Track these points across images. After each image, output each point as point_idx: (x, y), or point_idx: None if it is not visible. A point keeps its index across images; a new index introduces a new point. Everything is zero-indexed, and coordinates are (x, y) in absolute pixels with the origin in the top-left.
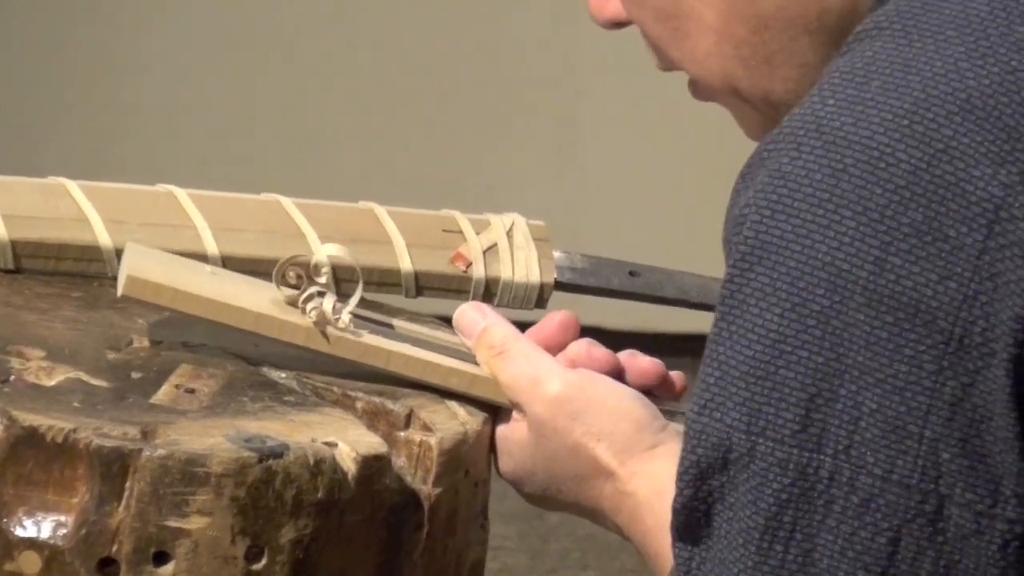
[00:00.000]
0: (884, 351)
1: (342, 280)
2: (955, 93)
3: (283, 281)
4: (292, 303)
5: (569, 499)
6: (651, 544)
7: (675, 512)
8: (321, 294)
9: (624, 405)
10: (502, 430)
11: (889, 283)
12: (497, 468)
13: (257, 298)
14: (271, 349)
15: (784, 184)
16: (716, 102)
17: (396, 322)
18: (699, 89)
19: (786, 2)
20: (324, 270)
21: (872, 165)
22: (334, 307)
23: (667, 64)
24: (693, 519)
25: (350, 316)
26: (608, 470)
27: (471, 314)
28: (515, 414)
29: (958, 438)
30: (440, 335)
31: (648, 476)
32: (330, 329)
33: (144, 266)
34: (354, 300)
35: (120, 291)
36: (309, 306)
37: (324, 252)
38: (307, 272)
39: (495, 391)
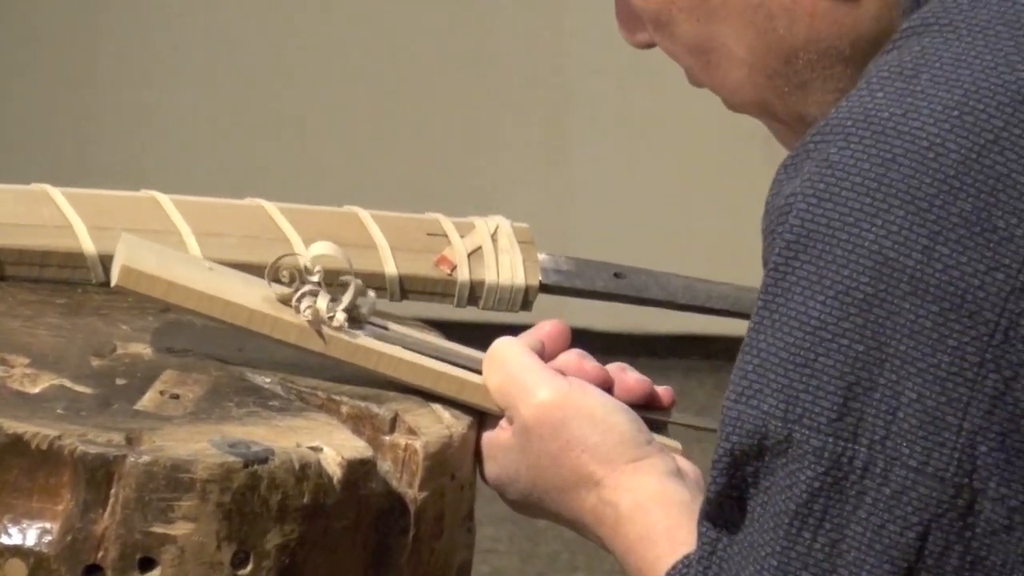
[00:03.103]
0: (927, 340)
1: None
2: (1005, 86)
3: (275, 279)
4: (285, 301)
5: (551, 508)
6: (633, 558)
7: (708, 500)
8: (315, 293)
9: (611, 417)
10: (488, 436)
11: (936, 272)
12: (482, 474)
13: (252, 295)
14: (256, 354)
15: (832, 173)
16: (751, 116)
17: (391, 325)
18: (733, 107)
19: (817, 35)
20: (316, 269)
21: (922, 155)
22: (327, 306)
23: (699, 85)
24: (725, 505)
25: (344, 315)
26: (591, 480)
27: None
28: (503, 421)
29: (997, 432)
30: (434, 340)
31: (631, 489)
32: (324, 328)
33: (139, 257)
34: (346, 299)
35: (114, 281)
36: (303, 304)
37: (315, 251)
38: (299, 271)
39: (484, 396)
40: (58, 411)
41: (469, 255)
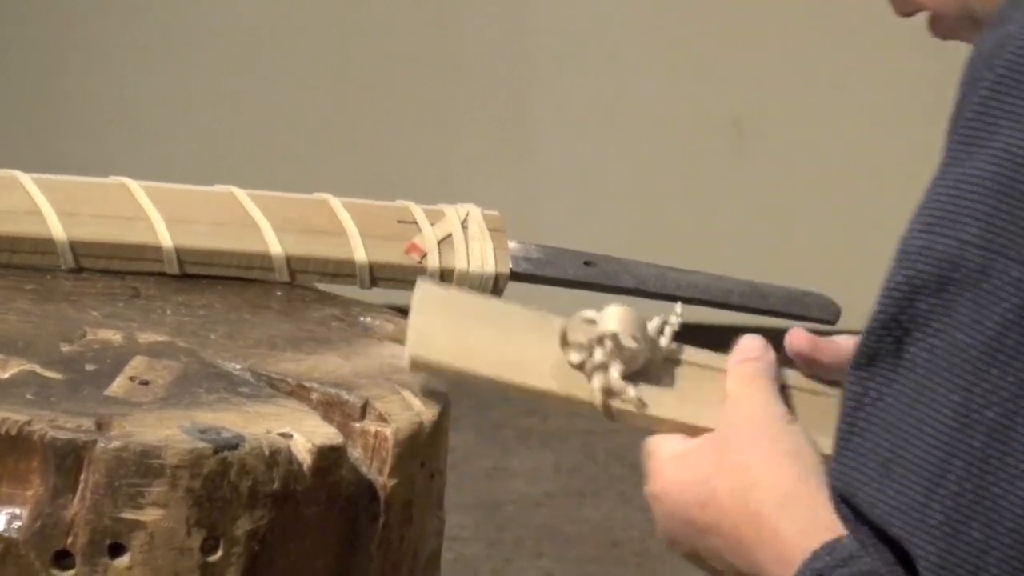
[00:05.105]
0: None
1: (297, 272)
2: None
3: (566, 343)
4: (577, 367)
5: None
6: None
7: (866, 334)
8: (605, 367)
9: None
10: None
11: None
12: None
13: (543, 360)
14: (226, 341)
15: None
16: (957, 39)
17: (684, 357)
18: (938, 25)
19: None
20: (610, 331)
21: None
22: (617, 382)
23: (906, 6)
24: (881, 346)
25: (634, 391)
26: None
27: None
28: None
29: None
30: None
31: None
32: (615, 402)
33: (429, 334)
34: (634, 362)
35: (406, 365)
36: (595, 383)
37: (609, 322)
38: (593, 341)
39: None
40: (28, 397)
41: (439, 242)
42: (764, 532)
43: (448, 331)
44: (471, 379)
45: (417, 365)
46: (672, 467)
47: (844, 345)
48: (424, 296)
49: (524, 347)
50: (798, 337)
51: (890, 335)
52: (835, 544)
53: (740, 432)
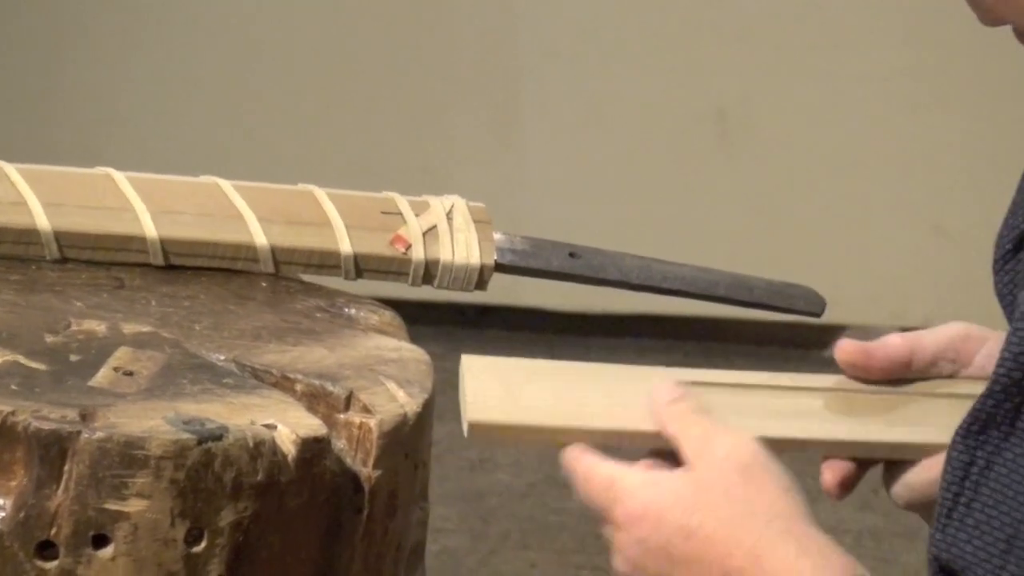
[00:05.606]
0: None
1: (282, 263)
2: None
3: None
4: None
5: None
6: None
7: (984, 398)
8: None
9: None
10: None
11: None
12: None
13: (602, 402)
14: (210, 332)
15: None
16: None
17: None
18: None
19: None
20: None
21: None
22: None
23: (992, 19)
24: (998, 411)
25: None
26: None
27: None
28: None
29: None
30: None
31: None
32: None
33: (484, 400)
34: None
35: (465, 433)
36: None
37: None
38: None
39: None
40: (12, 387)
41: (424, 234)
42: (767, 563)
43: (503, 391)
44: (537, 433)
45: (477, 430)
46: (648, 492)
47: (896, 348)
48: (471, 366)
49: (581, 394)
50: (847, 347)
51: (1009, 401)
52: None
53: (724, 471)
